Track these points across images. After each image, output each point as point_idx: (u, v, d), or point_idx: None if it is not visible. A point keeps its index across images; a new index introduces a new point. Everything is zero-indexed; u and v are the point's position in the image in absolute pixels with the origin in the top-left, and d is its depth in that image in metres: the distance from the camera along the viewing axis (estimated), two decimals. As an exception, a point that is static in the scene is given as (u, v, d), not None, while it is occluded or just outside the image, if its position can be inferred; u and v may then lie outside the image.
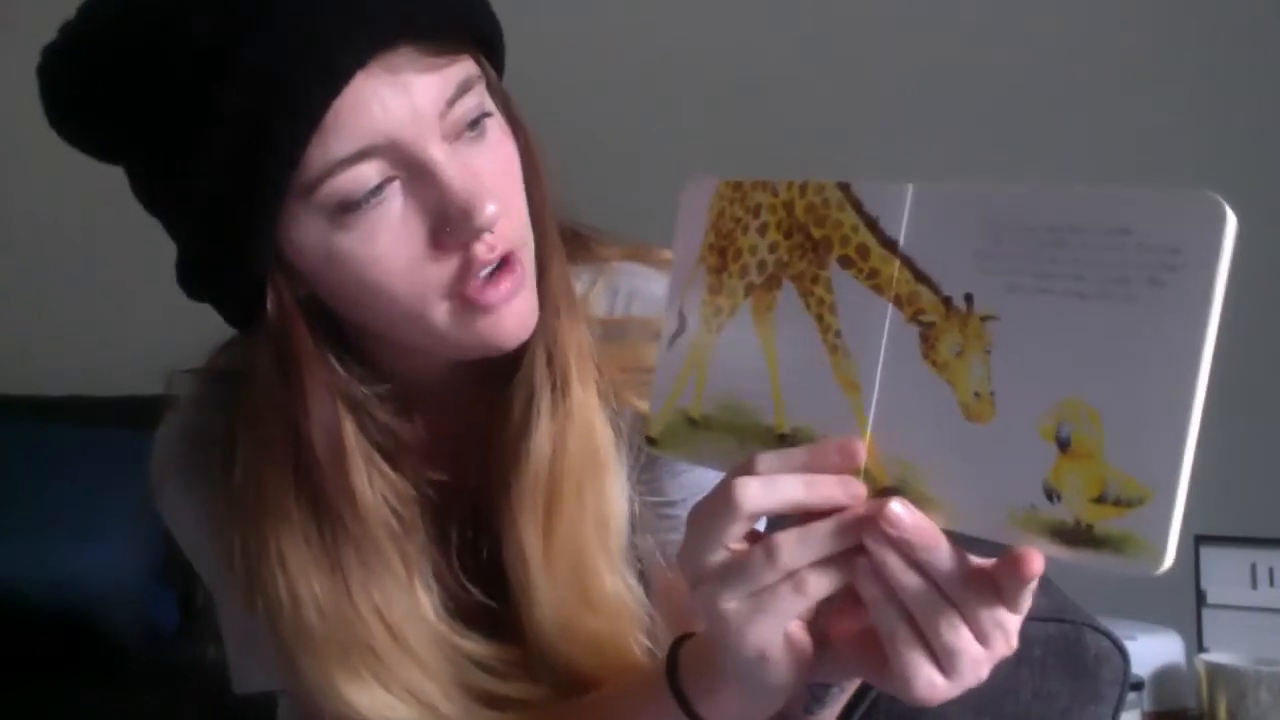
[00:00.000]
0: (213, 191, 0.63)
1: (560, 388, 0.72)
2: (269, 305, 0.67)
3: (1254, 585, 1.59)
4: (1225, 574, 1.59)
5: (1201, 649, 1.60)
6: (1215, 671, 1.51)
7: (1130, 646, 0.86)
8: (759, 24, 2.04)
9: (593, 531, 0.73)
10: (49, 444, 1.93)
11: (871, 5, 1.99)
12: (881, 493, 0.51)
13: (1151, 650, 1.56)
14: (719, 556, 0.53)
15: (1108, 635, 0.83)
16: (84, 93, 0.67)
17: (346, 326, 0.72)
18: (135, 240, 2.42)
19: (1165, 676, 1.57)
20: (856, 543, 0.51)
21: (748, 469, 0.52)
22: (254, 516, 0.71)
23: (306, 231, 0.65)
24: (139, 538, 1.83)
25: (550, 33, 1.86)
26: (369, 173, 0.63)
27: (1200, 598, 1.61)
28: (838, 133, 1.95)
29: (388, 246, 0.64)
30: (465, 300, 0.66)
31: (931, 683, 0.51)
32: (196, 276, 0.69)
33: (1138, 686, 1.51)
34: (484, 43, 0.69)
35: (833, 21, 2.00)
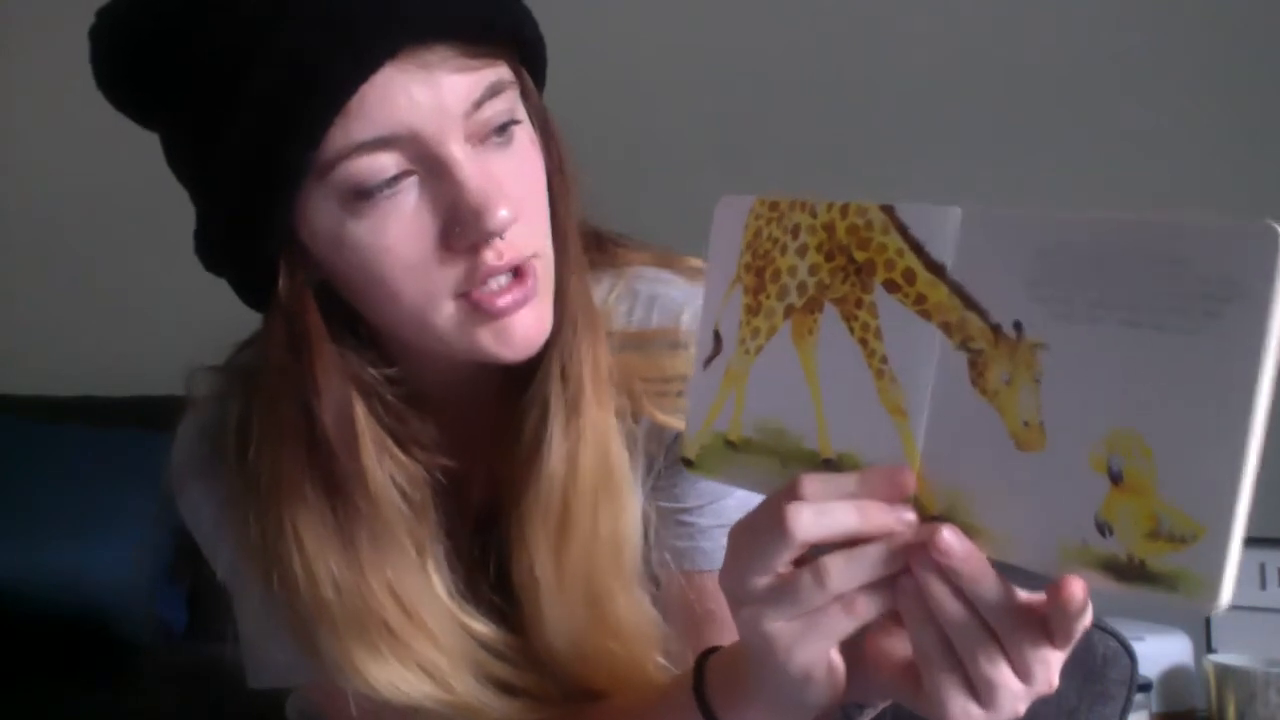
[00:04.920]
0: (233, 164, 0.64)
1: (574, 405, 0.71)
2: (281, 283, 0.68)
3: (1263, 586, 1.59)
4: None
5: (1210, 650, 1.60)
6: (1224, 672, 1.52)
7: (1138, 647, 0.86)
8: (760, 27, 2.03)
9: (606, 554, 0.72)
10: (58, 444, 1.93)
11: (872, 7, 1.99)
12: (930, 520, 0.50)
13: (1160, 651, 1.56)
14: (766, 580, 0.52)
15: (1115, 636, 0.83)
16: (123, 58, 0.68)
17: (359, 319, 0.72)
18: (142, 241, 2.42)
19: (1174, 677, 1.58)
20: (904, 566, 0.50)
21: (794, 493, 0.52)
22: (269, 495, 0.71)
23: (320, 214, 0.65)
24: (148, 538, 1.82)
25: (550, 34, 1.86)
26: (386, 162, 0.63)
27: (1210, 599, 1.61)
28: (837, 133, 1.95)
29: (397, 239, 0.64)
30: (471, 303, 0.66)
31: (966, 711, 0.51)
32: (212, 248, 0.69)
33: (1146, 687, 1.51)
34: (524, 51, 0.69)
35: (832, 22, 2.00)
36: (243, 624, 0.79)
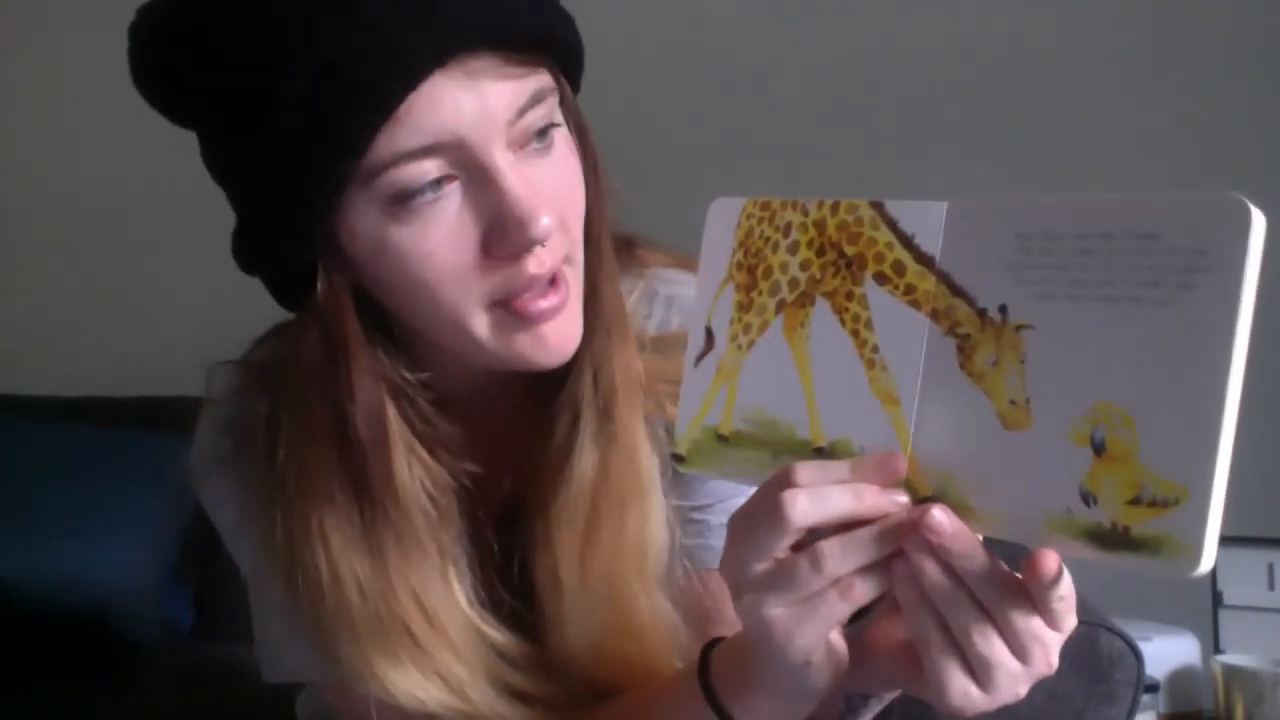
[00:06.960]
0: (276, 170, 0.64)
1: (605, 411, 0.72)
2: (319, 286, 0.68)
3: (1271, 586, 1.59)
4: (1242, 575, 1.59)
5: (1218, 650, 1.60)
6: (1232, 673, 1.51)
7: (1146, 648, 0.86)
8: (759, 28, 2.03)
9: (631, 558, 0.73)
10: (58, 444, 1.93)
11: (872, 7, 1.98)
12: (923, 502, 0.51)
13: (1167, 651, 1.56)
14: (764, 566, 0.53)
15: (1122, 636, 0.83)
16: (164, 58, 0.68)
17: (392, 322, 0.72)
18: (142, 241, 2.42)
19: (1181, 678, 1.57)
20: (899, 548, 0.51)
21: (787, 480, 0.52)
22: (297, 496, 0.71)
23: (361, 219, 0.65)
24: (155, 537, 1.83)
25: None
26: (430, 168, 0.63)
27: (1217, 599, 1.61)
28: (837, 133, 1.95)
29: (438, 245, 0.65)
30: (508, 309, 0.66)
31: (965, 692, 0.52)
32: (251, 251, 0.69)
33: (1153, 688, 1.51)
34: (563, 58, 0.70)
35: (831, 23, 2.00)
36: (261, 619, 0.79)
